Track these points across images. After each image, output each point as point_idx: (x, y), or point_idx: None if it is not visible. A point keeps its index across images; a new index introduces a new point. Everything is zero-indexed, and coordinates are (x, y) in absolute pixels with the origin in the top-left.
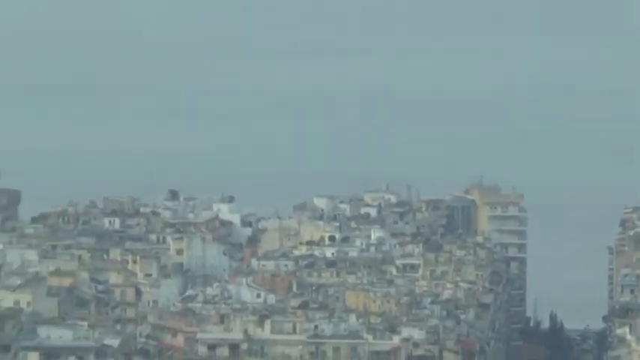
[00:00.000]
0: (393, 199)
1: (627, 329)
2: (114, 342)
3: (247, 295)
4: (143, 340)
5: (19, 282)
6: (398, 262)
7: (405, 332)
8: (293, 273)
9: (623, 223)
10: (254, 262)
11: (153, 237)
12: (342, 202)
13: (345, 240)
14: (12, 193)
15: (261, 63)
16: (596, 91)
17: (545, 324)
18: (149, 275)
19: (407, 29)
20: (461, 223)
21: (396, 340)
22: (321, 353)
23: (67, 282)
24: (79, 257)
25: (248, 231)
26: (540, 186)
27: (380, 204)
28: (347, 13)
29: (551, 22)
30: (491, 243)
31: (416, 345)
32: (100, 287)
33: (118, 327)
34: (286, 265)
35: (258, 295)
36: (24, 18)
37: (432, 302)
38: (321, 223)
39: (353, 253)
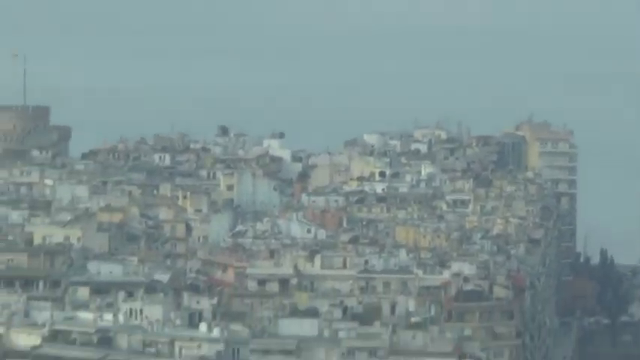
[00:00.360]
0: (444, 135)
1: None
2: (164, 277)
3: (297, 230)
4: (193, 275)
5: (69, 218)
6: (448, 197)
7: (455, 267)
8: (343, 208)
9: None
10: (304, 198)
11: (203, 173)
12: (392, 138)
13: (395, 176)
14: (62, 130)
15: (307, 1)
16: None
17: (596, 259)
18: (199, 211)
19: None
20: (511, 159)
21: (446, 275)
22: (371, 288)
23: (117, 218)
24: (130, 193)
25: (298, 167)
26: (590, 122)
27: (430, 140)
28: None
29: None
30: (542, 179)
31: (466, 280)
32: (150, 223)
33: (168, 262)
34: (336, 201)
35: (309, 231)
36: None
37: (483, 237)
38: (371, 158)
39: (403, 189)
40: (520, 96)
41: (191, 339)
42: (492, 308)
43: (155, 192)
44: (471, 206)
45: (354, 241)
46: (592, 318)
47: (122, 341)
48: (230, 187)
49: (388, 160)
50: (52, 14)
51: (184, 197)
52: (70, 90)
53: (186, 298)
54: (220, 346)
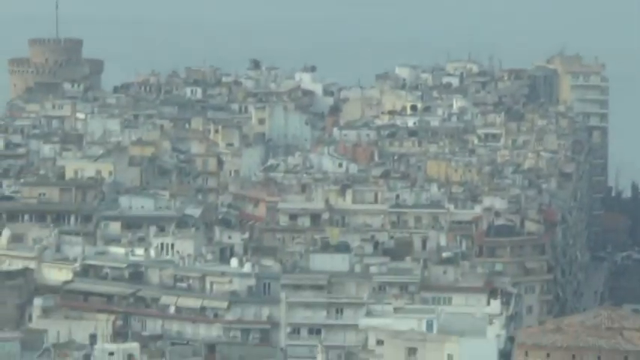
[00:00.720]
0: (475, 69)
1: None
2: (195, 212)
3: (329, 164)
4: (224, 209)
5: (100, 152)
6: (479, 131)
7: (487, 202)
8: (374, 142)
9: None
10: (336, 132)
11: (235, 106)
12: (424, 71)
13: (427, 109)
14: (94, 63)
15: None
16: None
17: (627, 193)
18: (231, 145)
19: None
20: (543, 92)
21: (477, 209)
22: (403, 222)
23: (148, 151)
24: (161, 127)
25: (330, 100)
26: (622, 55)
27: (462, 73)
28: None
29: None
30: (573, 112)
31: (497, 214)
32: (181, 157)
33: (200, 197)
34: (368, 135)
35: (340, 165)
36: None
37: (514, 172)
38: (403, 92)
39: (435, 123)
40: (552, 29)
41: (222, 274)
42: (523, 243)
43: (187, 126)
44: (502, 140)
45: (385, 175)
46: (624, 252)
47: (153, 276)
48: (262, 121)
49: (420, 93)
50: None
51: (216, 131)
52: (102, 22)
53: (218, 233)
54: (251, 281)
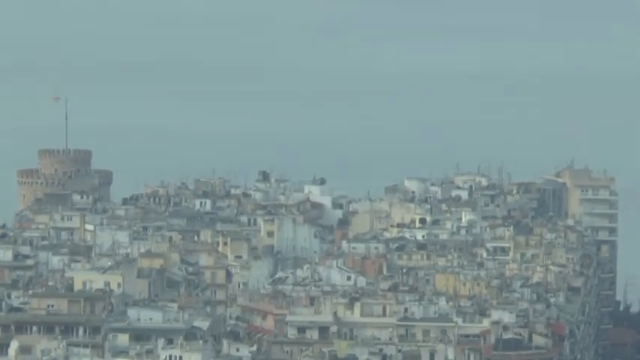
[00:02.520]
0: (484, 182)
1: None
2: (204, 324)
3: (337, 277)
4: (233, 322)
5: (109, 263)
6: (488, 244)
7: (495, 315)
8: (383, 255)
9: None
10: (344, 245)
11: (244, 219)
12: (433, 184)
13: (436, 222)
14: (104, 174)
15: (353, 46)
16: None
17: (636, 308)
18: (239, 257)
19: (494, 11)
20: (552, 206)
21: (485, 323)
22: (411, 336)
23: (157, 263)
24: (170, 239)
25: (339, 213)
26: (632, 169)
27: (471, 186)
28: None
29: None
30: (582, 226)
31: (506, 328)
32: (190, 269)
33: (208, 309)
34: (377, 248)
35: (349, 278)
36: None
37: (522, 285)
38: (412, 205)
39: (443, 236)
40: (561, 142)
41: None
42: (532, 357)
43: (196, 238)
44: (511, 254)
45: (393, 288)
46: None
47: None
48: (270, 234)
49: (429, 206)
50: (93, 57)
51: (225, 243)
52: (111, 133)
53: (226, 346)
54: None
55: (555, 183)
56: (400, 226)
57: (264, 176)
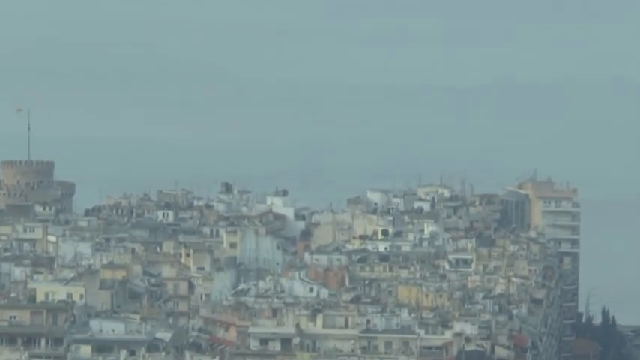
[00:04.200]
0: (447, 194)
1: None
2: (166, 335)
3: (300, 289)
4: (195, 333)
5: (72, 275)
6: (451, 256)
7: (457, 327)
8: (346, 267)
9: None
10: (307, 256)
11: (206, 230)
12: (395, 196)
13: (398, 234)
14: (66, 186)
15: (312, 55)
16: None
17: (598, 319)
18: (202, 268)
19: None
20: (514, 217)
21: (448, 335)
22: (373, 348)
23: (120, 275)
24: (133, 250)
25: (301, 225)
26: (594, 181)
27: (433, 198)
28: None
29: (604, 14)
30: (545, 238)
31: (468, 340)
32: (152, 280)
33: (171, 320)
34: (339, 259)
35: (311, 289)
36: (73, 8)
37: (485, 297)
38: (374, 217)
39: (406, 248)
40: (523, 154)
41: None
42: None
43: (158, 249)
44: (473, 265)
45: (356, 300)
46: None
47: None
48: (233, 245)
49: (391, 218)
50: (56, 68)
51: (187, 255)
52: (74, 145)
53: (189, 357)
54: None
55: (518, 195)
56: (362, 237)
57: (227, 188)
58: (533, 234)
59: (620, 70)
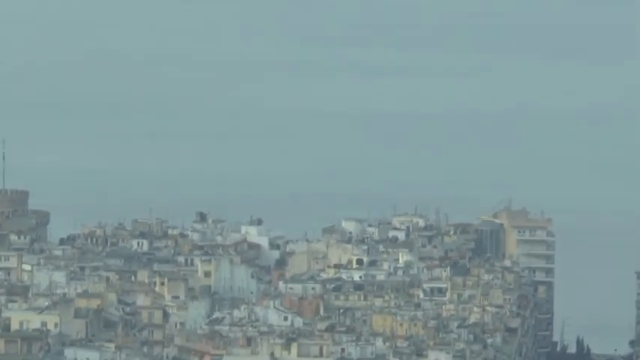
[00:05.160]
0: (422, 223)
1: None
2: None
3: (274, 317)
4: None
5: (46, 303)
6: (425, 285)
7: (432, 356)
8: (320, 296)
9: None
10: (282, 285)
11: (181, 259)
12: (370, 225)
13: (373, 263)
14: (41, 215)
15: (286, 84)
16: (623, 113)
17: (572, 348)
18: (177, 297)
19: (424, 50)
20: (489, 246)
21: None
22: None
23: (94, 304)
24: (107, 279)
25: (276, 254)
26: (569, 210)
27: (408, 227)
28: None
29: (570, 44)
30: (519, 267)
31: None
32: (127, 309)
33: (145, 349)
34: (314, 288)
35: (286, 318)
36: (46, 37)
37: (459, 326)
38: (349, 246)
39: (380, 277)
40: (498, 183)
41: None
42: None
43: (133, 278)
44: (448, 294)
45: (330, 329)
46: None
47: None
48: (207, 274)
49: (366, 247)
50: (31, 97)
51: (162, 284)
52: (48, 174)
53: None
54: None
55: (493, 224)
56: (337, 266)
57: (202, 217)
58: (507, 263)
59: (594, 100)
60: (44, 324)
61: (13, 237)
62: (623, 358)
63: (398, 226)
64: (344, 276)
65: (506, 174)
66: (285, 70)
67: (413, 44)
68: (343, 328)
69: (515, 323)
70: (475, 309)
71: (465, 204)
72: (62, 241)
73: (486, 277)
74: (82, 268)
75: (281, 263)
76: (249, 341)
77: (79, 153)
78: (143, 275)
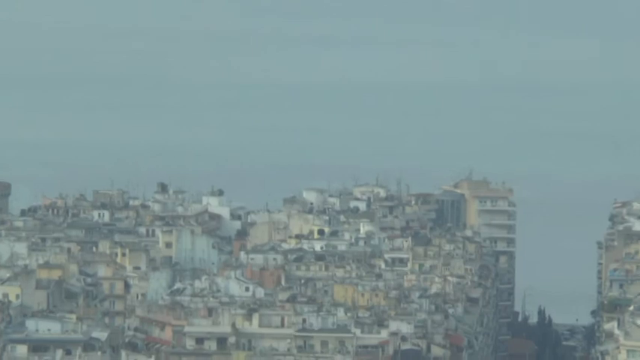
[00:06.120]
0: (383, 193)
1: (615, 324)
2: (102, 335)
3: (236, 288)
4: (131, 333)
5: (8, 275)
6: (386, 255)
7: (393, 326)
8: (282, 266)
9: (612, 218)
10: (243, 256)
11: (142, 230)
12: (331, 195)
13: (334, 234)
14: (2, 186)
15: (246, 56)
16: (584, 84)
17: (534, 318)
18: (138, 268)
19: (387, 21)
20: (450, 217)
21: (384, 334)
22: (309, 347)
23: (55, 275)
24: (68, 250)
25: (237, 224)
26: (530, 180)
27: (369, 198)
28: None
29: (538, 17)
30: (480, 237)
31: (404, 339)
32: (88, 280)
33: (106, 320)
34: (275, 259)
35: (247, 289)
36: (17, 10)
37: (421, 296)
38: (310, 216)
39: (342, 247)
40: (459, 153)
41: None
42: None
43: (94, 249)
44: (409, 265)
45: (292, 299)
46: None
47: None
48: (169, 245)
49: (327, 218)
50: None
51: (123, 255)
52: (9, 146)
53: (124, 357)
54: None
55: (454, 194)
56: (298, 237)
57: (163, 188)
58: (469, 233)
59: (556, 74)
60: (5, 295)
61: None
62: (584, 328)
63: (359, 196)
64: (305, 246)
65: (467, 144)
66: (245, 43)
67: (377, 14)
68: (304, 299)
69: (476, 293)
70: (436, 279)
71: (426, 174)
72: (23, 213)
73: (447, 247)
74: (43, 240)
75: (242, 234)
76: (210, 312)
77: (39, 125)
78: (104, 246)
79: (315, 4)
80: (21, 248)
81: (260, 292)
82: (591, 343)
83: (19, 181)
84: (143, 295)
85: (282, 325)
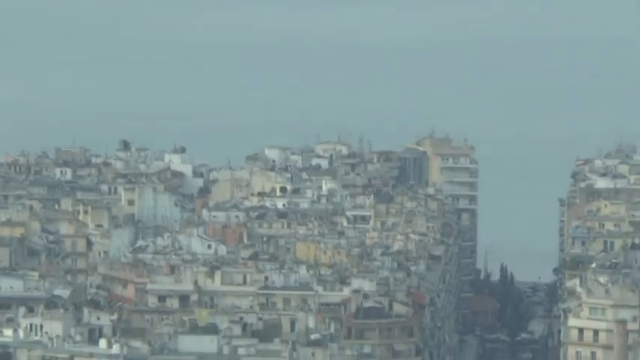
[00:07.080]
0: (345, 151)
1: (577, 281)
2: (64, 292)
3: (198, 246)
4: (93, 290)
5: None
6: (349, 213)
7: (356, 284)
8: (244, 224)
9: (574, 175)
10: (205, 213)
11: (104, 187)
12: (293, 153)
13: (296, 191)
14: None
15: (209, 14)
16: (546, 41)
17: (496, 276)
18: (100, 226)
19: None
20: (412, 174)
21: (346, 291)
22: (272, 304)
23: (18, 232)
24: (30, 207)
25: (199, 182)
26: (492, 138)
27: (331, 155)
28: None
29: None
30: (443, 194)
31: (366, 296)
32: (50, 237)
33: (69, 277)
34: (237, 216)
35: (209, 246)
36: None
37: (383, 254)
38: (272, 174)
39: (304, 205)
40: (421, 111)
41: (91, 355)
42: (392, 325)
43: (56, 206)
44: (371, 222)
45: (254, 257)
46: (492, 335)
47: (22, 357)
48: (131, 202)
49: (289, 175)
50: None
51: (85, 212)
52: None
53: (87, 314)
54: None
55: (416, 152)
56: (261, 194)
57: (125, 145)
58: (431, 191)
59: (520, 30)
60: None
61: None
62: (546, 286)
63: (321, 153)
64: (267, 204)
65: (429, 102)
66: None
67: None
68: (267, 256)
69: (438, 251)
70: (399, 237)
71: (388, 132)
72: None
73: (410, 204)
74: (6, 197)
75: (204, 191)
76: (172, 269)
77: (1, 82)
78: (67, 204)
79: None
80: None
81: (222, 250)
82: (553, 300)
83: None
84: (105, 252)
85: (245, 283)
